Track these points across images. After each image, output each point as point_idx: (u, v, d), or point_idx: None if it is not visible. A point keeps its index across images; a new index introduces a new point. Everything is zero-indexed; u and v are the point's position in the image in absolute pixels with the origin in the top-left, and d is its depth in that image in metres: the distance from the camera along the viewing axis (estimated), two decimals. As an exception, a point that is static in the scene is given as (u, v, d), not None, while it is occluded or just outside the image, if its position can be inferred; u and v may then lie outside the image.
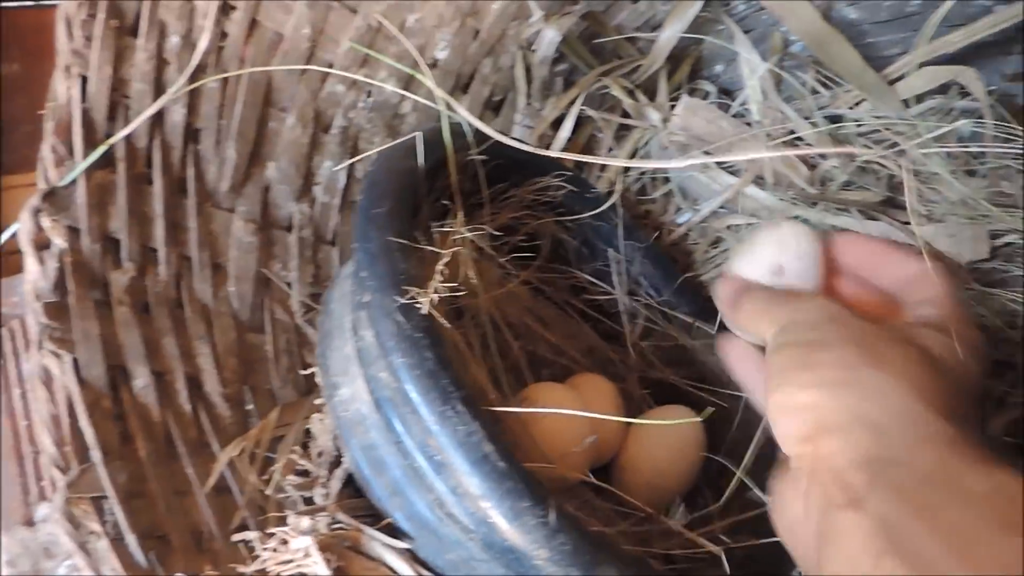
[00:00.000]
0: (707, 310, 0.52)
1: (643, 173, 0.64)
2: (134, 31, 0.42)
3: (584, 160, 0.41)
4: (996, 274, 0.51)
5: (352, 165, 0.53)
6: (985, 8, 0.59)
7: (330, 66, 0.51)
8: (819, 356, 0.29)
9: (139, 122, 0.41)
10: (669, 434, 0.41)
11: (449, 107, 0.42)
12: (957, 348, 0.29)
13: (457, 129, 0.42)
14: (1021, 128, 0.55)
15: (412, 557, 0.34)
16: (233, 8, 0.46)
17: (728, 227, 0.62)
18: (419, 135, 0.38)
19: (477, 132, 0.42)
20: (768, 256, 0.36)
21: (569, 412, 0.34)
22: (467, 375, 0.33)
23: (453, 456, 0.30)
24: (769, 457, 0.32)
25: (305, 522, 0.32)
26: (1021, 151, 0.54)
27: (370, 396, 0.34)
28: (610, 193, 0.52)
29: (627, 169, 0.64)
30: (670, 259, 0.56)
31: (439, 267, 0.33)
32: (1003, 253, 0.50)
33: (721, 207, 0.62)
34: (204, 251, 0.45)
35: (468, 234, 0.36)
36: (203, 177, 0.46)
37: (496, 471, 0.29)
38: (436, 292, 0.31)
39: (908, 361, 0.28)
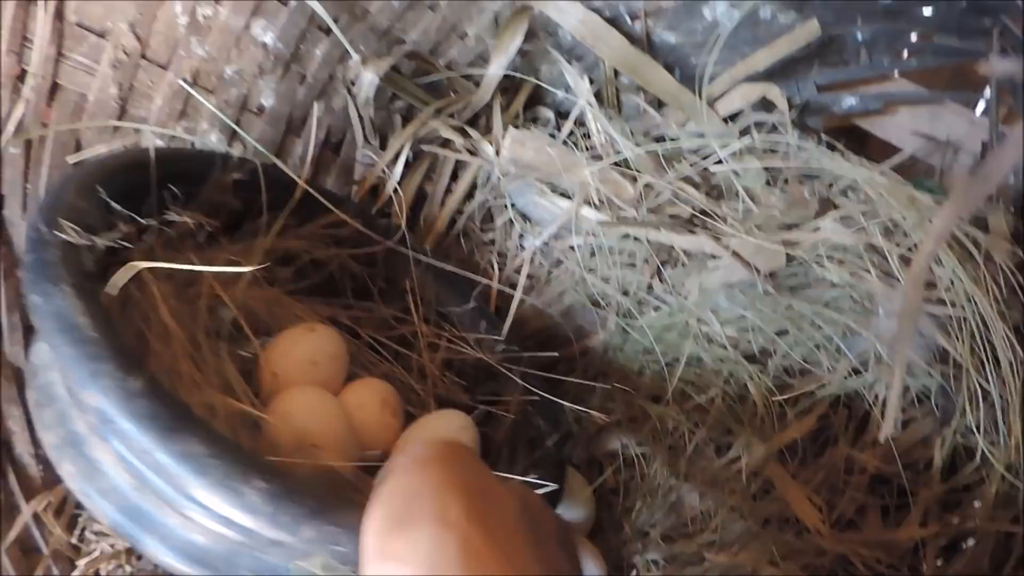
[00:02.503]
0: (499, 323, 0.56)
1: (485, 200, 0.66)
2: (-77, 105, 0.43)
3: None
4: (794, 279, 0.54)
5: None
6: (787, 27, 0.63)
7: (144, 122, 0.52)
8: None
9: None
10: (437, 431, 0.44)
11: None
12: None
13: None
14: (820, 141, 0.59)
15: None
16: (32, 75, 0.47)
17: (570, 247, 0.65)
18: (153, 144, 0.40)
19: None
20: None
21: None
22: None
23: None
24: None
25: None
26: (809, 159, 0.57)
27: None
28: (399, 227, 0.55)
29: (469, 197, 0.66)
30: (462, 279, 0.58)
31: None
32: (798, 259, 0.54)
33: (563, 228, 0.64)
34: (13, 315, 0.45)
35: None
36: (10, 243, 0.46)
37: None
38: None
39: None
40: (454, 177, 0.66)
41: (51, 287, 0.31)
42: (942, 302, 0.46)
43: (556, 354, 0.55)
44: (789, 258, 0.53)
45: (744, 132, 0.63)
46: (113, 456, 0.32)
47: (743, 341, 0.56)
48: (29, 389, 0.35)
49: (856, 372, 0.54)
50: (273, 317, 0.42)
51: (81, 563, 0.36)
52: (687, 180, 0.61)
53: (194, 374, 0.34)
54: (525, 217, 0.66)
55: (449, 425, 0.45)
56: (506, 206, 0.65)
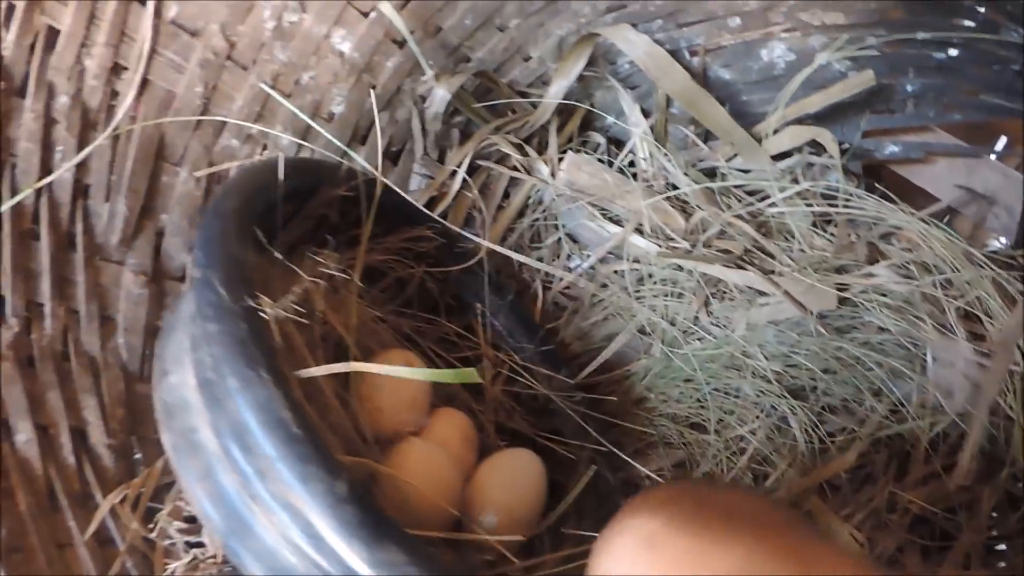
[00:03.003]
0: (567, 364, 0.57)
1: (536, 220, 0.67)
2: (22, 92, 0.44)
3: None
4: (841, 320, 0.56)
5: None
6: (841, 74, 0.65)
7: (224, 121, 0.53)
8: None
9: (29, 192, 0.42)
10: (512, 471, 0.45)
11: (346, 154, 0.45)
12: None
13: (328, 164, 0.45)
14: (860, 184, 0.61)
15: None
16: (124, 68, 0.47)
17: (615, 272, 0.66)
18: (281, 156, 0.40)
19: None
20: None
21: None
22: (327, 431, 0.34)
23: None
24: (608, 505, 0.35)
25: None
26: (864, 206, 0.59)
27: (195, 380, 0.33)
28: (478, 249, 0.56)
29: (519, 216, 0.67)
30: (532, 315, 0.60)
31: (297, 289, 0.35)
32: (850, 302, 0.55)
33: (609, 253, 0.66)
34: (92, 304, 0.46)
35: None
36: (92, 231, 0.47)
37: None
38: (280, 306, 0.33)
39: None
40: (505, 195, 0.68)
41: (249, 372, 0.29)
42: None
43: (615, 398, 0.57)
44: (840, 300, 0.55)
45: (792, 171, 0.65)
46: (269, 519, 0.31)
47: (787, 377, 0.58)
48: (165, 430, 0.34)
49: (900, 415, 0.55)
50: (367, 337, 0.43)
51: (172, 565, 0.36)
52: (737, 216, 0.62)
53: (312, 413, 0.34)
54: (573, 239, 0.68)
55: (514, 463, 0.46)
56: (556, 227, 0.67)
